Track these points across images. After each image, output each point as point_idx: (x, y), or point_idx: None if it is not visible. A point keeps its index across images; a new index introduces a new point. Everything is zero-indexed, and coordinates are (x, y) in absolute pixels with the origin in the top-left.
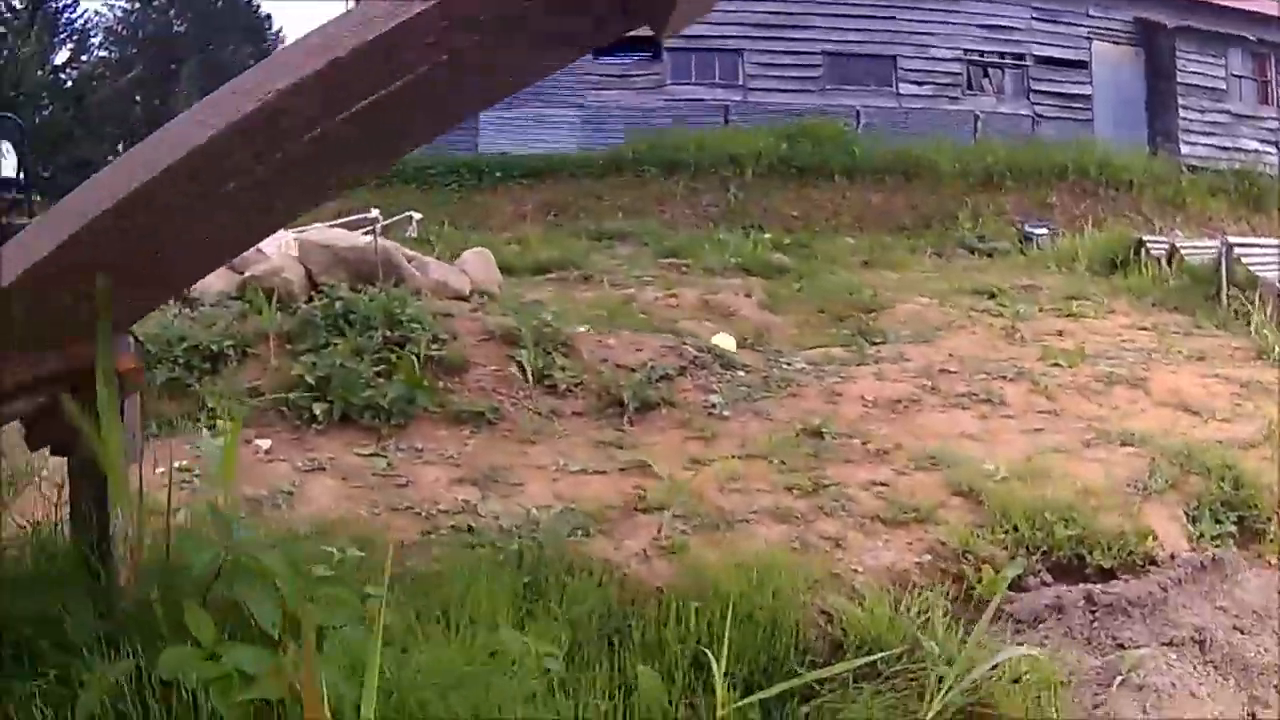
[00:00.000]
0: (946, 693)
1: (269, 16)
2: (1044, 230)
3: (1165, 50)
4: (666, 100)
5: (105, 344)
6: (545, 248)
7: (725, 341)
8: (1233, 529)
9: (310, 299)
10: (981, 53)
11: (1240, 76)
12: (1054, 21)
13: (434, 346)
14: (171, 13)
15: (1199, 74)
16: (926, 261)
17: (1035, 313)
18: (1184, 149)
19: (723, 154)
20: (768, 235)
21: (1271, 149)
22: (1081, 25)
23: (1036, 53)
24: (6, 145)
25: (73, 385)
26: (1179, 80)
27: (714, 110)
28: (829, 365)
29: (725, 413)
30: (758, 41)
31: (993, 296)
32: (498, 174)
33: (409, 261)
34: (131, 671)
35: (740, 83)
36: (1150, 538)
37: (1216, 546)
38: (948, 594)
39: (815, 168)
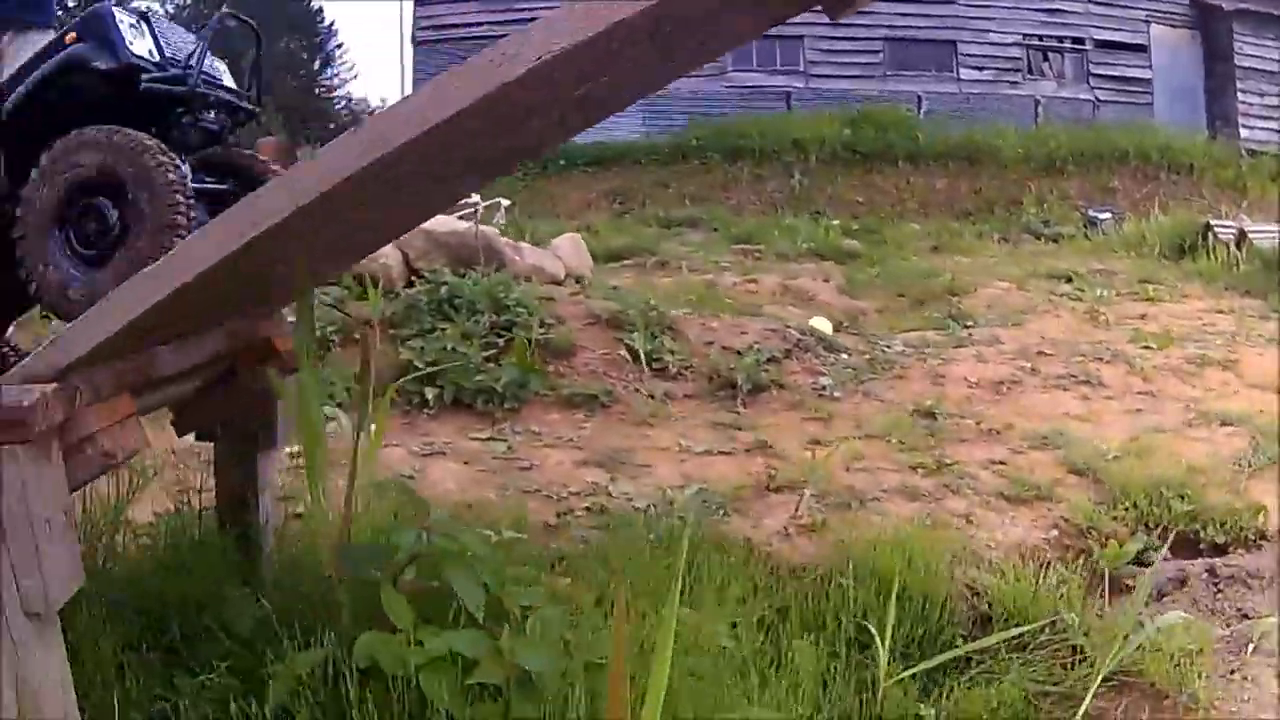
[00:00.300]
0: (1116, 655)
1: (321, 10)
2: (1108, 215)
3: (1222, 33)
4: (728, 87)
5: (305, 320)
6: (615, 235)
7: (822, 325)
8: None
9: (410, 284)
10: (1041, 37)
11: None
12: (1111, 4)
13: (541, 330)
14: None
15: (1256, 56)
16: (994, 246)
17: (1113, 296)
18: (1243, 133)
19: (786, 140)
20: (836, 221)
21: None
22: (1139, 8)
23: (1095, 36)
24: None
25: (229, 368)
26: (1236, 63)
27: (776, 96)
28: (926, 348)
29: (836, 394)
30: (818, 27)
31: (1069, 280)
32: (562, 162)
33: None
34: (320, 661)
35: (801, 69)
36: (1261, 513)
37: None
38: (1075, 568)
39: (879, 153)
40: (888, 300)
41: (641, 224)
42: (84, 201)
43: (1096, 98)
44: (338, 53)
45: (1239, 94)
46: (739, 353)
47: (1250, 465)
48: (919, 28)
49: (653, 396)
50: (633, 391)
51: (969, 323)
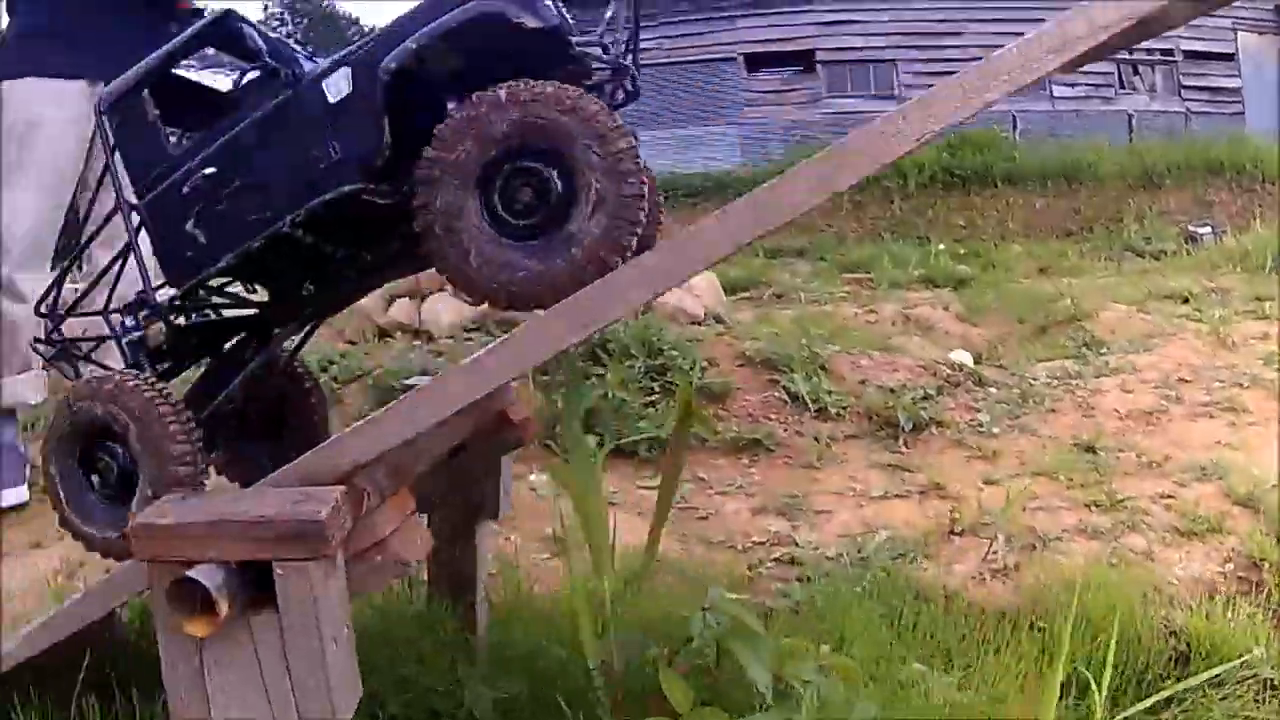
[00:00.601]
0: None
1: (357, 20)
2: (1208, 229)
3: None
4: (823, 114)
5: (575, 397)
6: (726, 267)
7: (964, 357)
8: None
9: None
10: (1130, 50)
11: None
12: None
13: (697, 374)
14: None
15: None
16: (1099, 265)
17: (1232, 316)
18: None
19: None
20: (942, 246)
21: None
22: (1225, 15)
23: (1184, 47)
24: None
25: (459, 445)
26: None
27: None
28: (1069, 379)
29: (994, 430)
30: (911, 51)
31: (1186, 301)
32: (663, 194)
33: None
34: None
35: (896, 93)
36: None
37: None
38: (1257, 600)
39: (977, 175)
40: (1008, 326)
41: (749, 254)
42: (515, 166)
43: (1189, 109)
44: None
45: None
46: (893, 390)
47: None
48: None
49: (816, 439)
50: (794, 434)
51: (1103, 350)
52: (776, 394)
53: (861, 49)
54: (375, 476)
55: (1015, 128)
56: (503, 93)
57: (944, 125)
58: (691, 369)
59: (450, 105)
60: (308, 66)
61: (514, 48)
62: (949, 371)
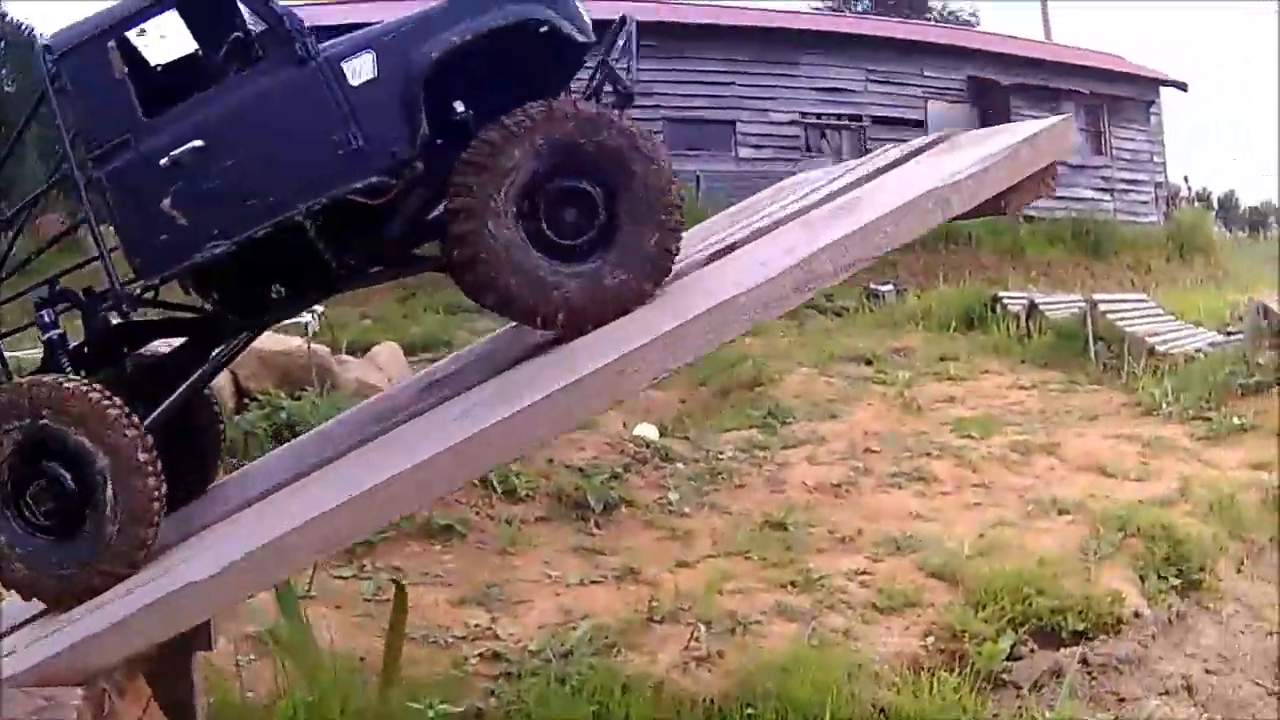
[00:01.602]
0: None
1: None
2: (889, 287)
3: (1000, 106)
4: None
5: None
6: (408, 325)
7: (649, 431)
8: (1176, 583)
9: (241, 406)
10: (819, 115)
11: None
12: (889, 83)
13: None
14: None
15: None
16: (782, 325)
17: (916, 378)
18: None
19: None
20: None
21: (1107, 196)
22: (916, 85)
23: (873, 113)
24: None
25: None
26: None
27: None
28: (756, 450)
29: (685, 509)
30: None
31: (869, 363)
32: None
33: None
34: None
35: None
36: (1116, 600)
37: (1166, 602)
38: (956, 670)
39: None
40: (691, 390)
41: (430, 310)
42: (560, 186)
43: None
44: None
45: None
46: (582, 470)
47: (1096, 553)
48: (699, 108)
49: (508, 522)
50: (485, 518)
51: (788, 419)
52: None
53: None
54: (114, 674)
55: (699, 187)
56: (555, 110)
57: (688, 360)
58: None
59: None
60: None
61: (547, 55)
62: (635, 448)
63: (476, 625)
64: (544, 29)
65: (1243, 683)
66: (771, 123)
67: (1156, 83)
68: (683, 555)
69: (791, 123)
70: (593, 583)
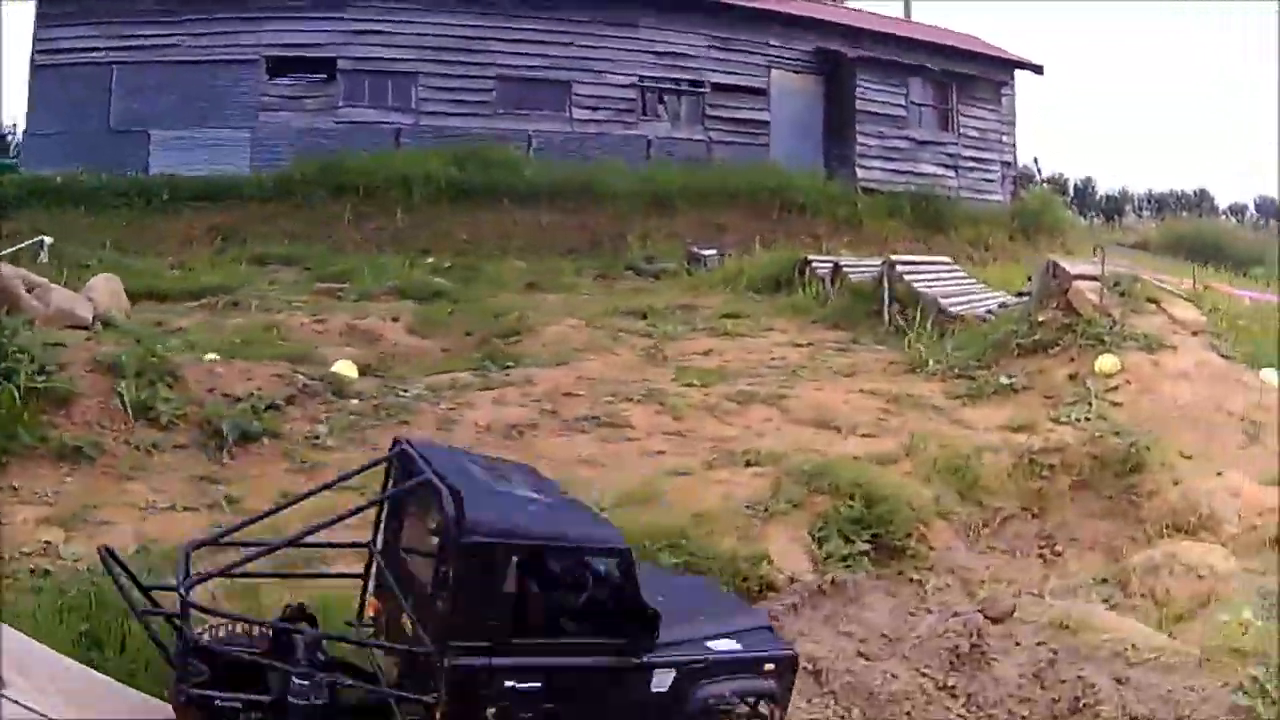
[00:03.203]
0: None
1: None
2: (713, 251)
3: (846, 78)
4: (338, 123)
5: None
6: (209, 273)
7: (346, 368)
8: (866, 547)
9: None
10: (658, 79)
11: (921, 105)
12: (731, 50)
13: (39, 378)
14: None
15: (879, 101)
16: (590, 284)
17: (688, 333)
18: (860, 173)
19: (393, 178)
20: (431, 260)
21: (951, 173)
22: (760, 54)
23: (714, 80)
24: None
25: None
26: (859, 108)
27: (387, 134)
28: (450, 391)
29: (329, 443)
30: (432, 65)
31: (645, 317)
32: (166, 196)
33: (31, 289)
34: None
35: (413, 106)
36: (766, 561)
37: (847, 567)
38: None
39: (486, 191)
40: (456, 339)
41: (236, 262)
42: None
43: (710, 138)
44: None
45: (859, 136)
46: (239, 399)
47: (768, 509)
48: (534, 68)
49: (140, 449)
50: (123, 443)
51: (509, 363)
52: (118, 402)
53: (382, 59)
54: None
55: (530, 146)
56: None
57: None
58: (40, 373)
59: None
60: None
61: None
62: (306, 382)
63: (47, 543)
64: None
65: (901, 672)
66: (608, 84)
67: (1009, 64)
68: (300, 487)
69: (629, 85)
70: (188, 509)
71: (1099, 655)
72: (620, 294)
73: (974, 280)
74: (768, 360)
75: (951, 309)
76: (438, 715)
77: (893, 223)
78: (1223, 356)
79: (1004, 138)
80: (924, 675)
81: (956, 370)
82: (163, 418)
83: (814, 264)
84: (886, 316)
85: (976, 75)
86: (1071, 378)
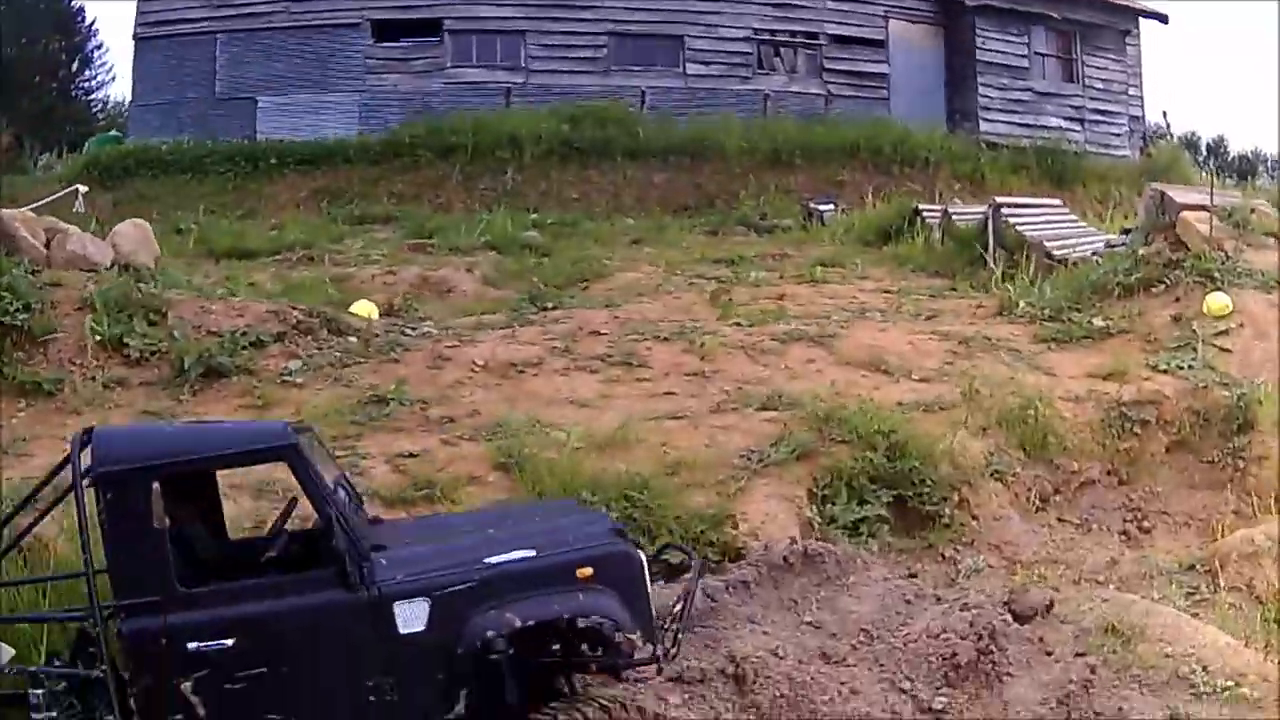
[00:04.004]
0: None
1: (82, 9)
2: (830, 206)
3: (965, 28)
4: (447, 83)
5: None
6: (298, 232)
7: (365, 309)
8: (884, 512)
9: None
10: (773, 32)
11: (1043, 54)
12: (847, 0)
13: (21, 315)
14: None
15: (1000, 52)
16: (699, 239)
17: (772, 280)
18: (984, 126)
19: (502, 137)
20: (533, 215)
21: (1077, 126)
22: (877, 4)
23: (830, 31)
24: None
25: None
26: (979, 58)
27: (496, 93)
28: (467, 331)
29: (299, 380)
30: (540, 22)
31: (732, 264)
32: (273, 161)
33: (53, 236)
34: None
35: (523, 64)
36: (734, 523)
37: (854, 536)
38: None
39: (598, 149)
40: (528, 289)
41: (333, 222)
42: None
43: (829, 92)
44: (97, 54)
45: (980, 88)
46: (216, 335)
47: (763, 459)
48: (645, 21)
49: (106, 385)
50: (89, 379)
51: (550, 304)
52: (97, 339)
53: (489, 18)
54: None
55: (644, 103)
56: None
57: None
58: (24, 309)
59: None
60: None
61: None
62: (300, 319)
63: None
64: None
65: (869, 684)
66: (721, 38)
67: (1134, 12)
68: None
69: (743, 39)
70: None
71: (1155, 677)
72: (723, 247)
73: (1086, 225)
74: (842, 305)
75: (1057, 252)
76: (131, 699)
77: (1016, 178)
78: None
79: (1130, 90)
80: (901, 691)
81: (1048, 313)
82: (134, 354)
83: (924, 213)
84: (991, 262)
85: (1100, 23)
86: (1175, 319)
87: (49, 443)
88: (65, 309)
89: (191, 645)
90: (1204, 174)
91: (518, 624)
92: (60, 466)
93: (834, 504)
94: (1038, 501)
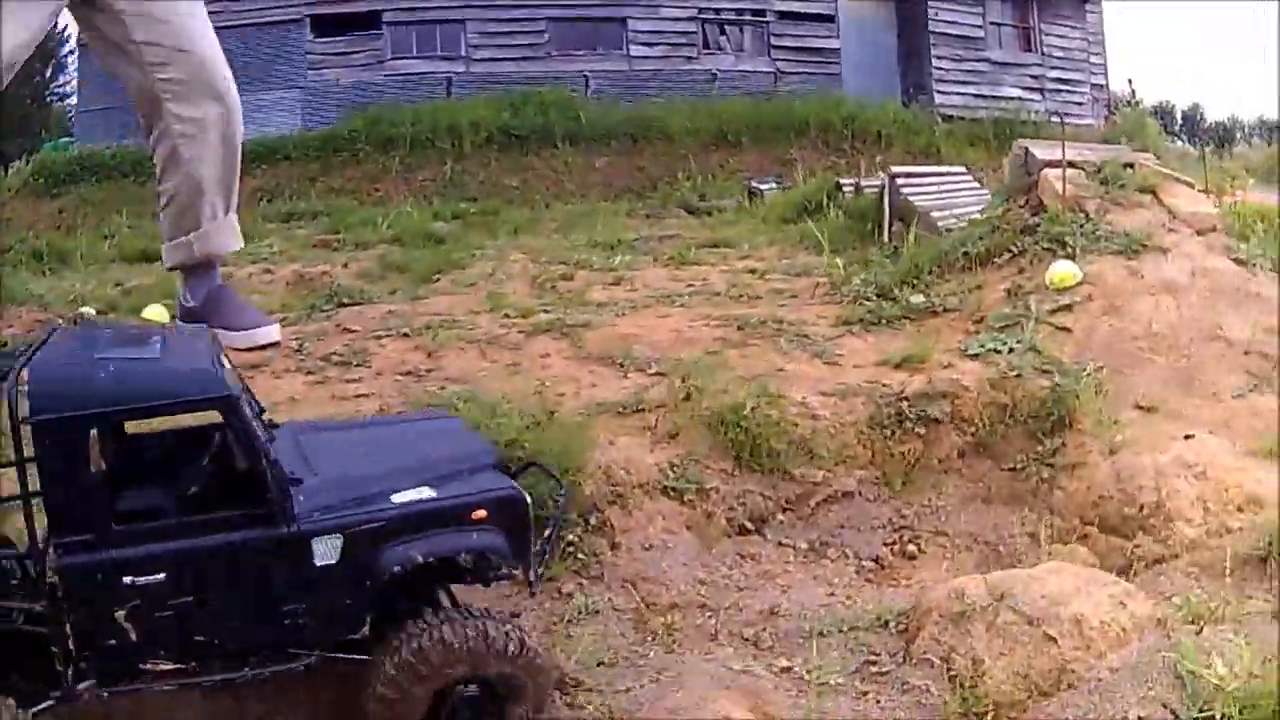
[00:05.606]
0: None
1: None
2: (771, 185)
3: (917, 0)
4: (388, 76)
5: None
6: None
7: (156, 313)
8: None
9: None
10: (718, 10)
11: (1000, 24)
12: None
13: None
14: None
15: (954, 23)
16: (632, 223)
17: (644, 264)
18: (939, 99)
19: (442, 127)
20: (464, 205)
21: (1037, 96)
22: None
23: (778, 7)
24: None
25: None
26: (932, 30)
27: (438, 84)
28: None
29: None
30: (479, 10)
31: (612, 248)
32: None
33: None
34: None
35: (463, 54)
36: None
37: None
38: None
39: (539, 136)
40: (405, 281)
41: (262, 221)
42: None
43: (779, 69)
44: (70, 60)
45: (934, 60)
46: None
47: None
48: (586, 5)
49: None
50: None
51: (347, 301)
52: None
53: (428, 9)
54: None
55: (588, 87)
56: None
57: None
58: None
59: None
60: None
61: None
62: (61, 325)
63: None
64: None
65: None
66: (665, 19)
67: None
68: None
69: (688, 18)
70: None
71: None
72: (637, 230)
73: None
74: (683, 289)
75: (941, 222)
76: (68, 630)
77: (973, 150)
78: (1237, 262)
79: (1092, 58)
80: None
81: (874, 290)
82: None
83: (844, 187)
84: (888, 235)
85: None
86: (1010, 294)
87: None
88: None
89: (126, 580)
90: (1177, 142)
91: (420, 559)
92: None
93: None
94: (745, 523)
